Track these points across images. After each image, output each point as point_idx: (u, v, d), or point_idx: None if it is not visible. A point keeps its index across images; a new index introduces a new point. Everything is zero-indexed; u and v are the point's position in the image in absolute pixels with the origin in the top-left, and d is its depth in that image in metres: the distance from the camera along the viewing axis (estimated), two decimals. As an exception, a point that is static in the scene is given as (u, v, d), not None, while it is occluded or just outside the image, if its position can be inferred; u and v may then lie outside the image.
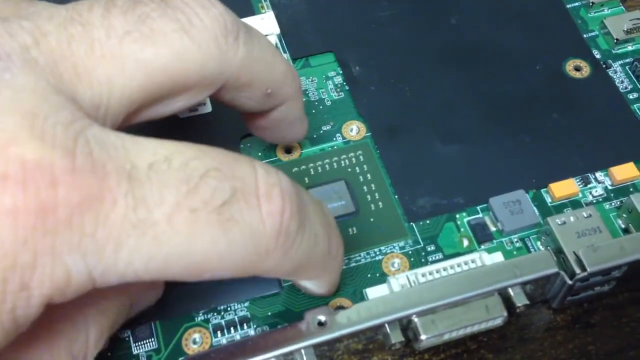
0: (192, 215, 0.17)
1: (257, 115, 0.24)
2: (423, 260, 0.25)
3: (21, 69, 0.17)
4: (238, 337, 0.24)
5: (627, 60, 0.30)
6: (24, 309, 0.16)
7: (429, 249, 0.26)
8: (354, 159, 0.28)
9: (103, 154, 0.16)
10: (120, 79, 0.18)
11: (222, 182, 0.18)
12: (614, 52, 0.31)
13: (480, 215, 0.26)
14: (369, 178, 0.27)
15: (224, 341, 0.24)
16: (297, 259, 0.20)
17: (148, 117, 0.21)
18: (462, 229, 0.26)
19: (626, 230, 0.26)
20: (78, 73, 0.18)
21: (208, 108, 0.29)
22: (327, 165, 0.27)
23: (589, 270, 0.23)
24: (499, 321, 0.23)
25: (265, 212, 0.18)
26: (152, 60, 0.19)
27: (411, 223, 0.26)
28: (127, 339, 0.24)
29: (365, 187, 0.27)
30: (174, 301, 0.24)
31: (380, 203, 0.26)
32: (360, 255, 0.25)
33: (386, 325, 0.23)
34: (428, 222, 0.26)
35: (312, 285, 0.23)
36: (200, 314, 0.24)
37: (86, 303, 0.20)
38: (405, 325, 0.23)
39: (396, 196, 0.27)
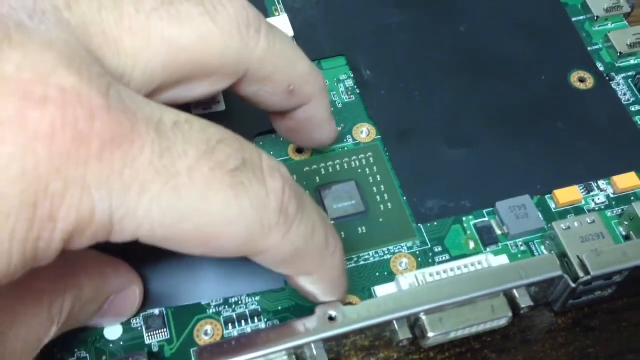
0: (209, 172, 0.18)
1: (283, 116, 0.25)
2: (430, 260, 0.26)
3: (55, 25, 0.17)
4: (249, 330, 0.24)
5: (630, 74, 0.31)
6: (46, 242, 0.16)
7: (436, 249, 0.26)
8: (364, 161, 0.28)
9: (133, 104, 0.17)
10: (145, 53, 0.19)
11: (235, 151, 0.19)
12: (617, 65, 0.31)
13: (487, 218, 0.27)
14: (379, 179, 0.28)
15: (235, 333, 0.24)
16: (296, 244, 0.20)
17: (168, 100, 0.21)
18: (468, 232, 0.27)
19: (627, 238, 0.26)
20: (107, 40, 0.18)
21: (222, 106, 0.29)
22: (337, 166, 0.28)
23: (592, 274, 0.24)
24: (503, 321, 0.24)
25: (270, 188, 0.19)
26: (177, 39, 0.20)
27: (419, 224, 0.27)
28: (139, 328, 0.24)
29: (375, 188, 0.27)
30: (184, 290, 0.25)
31: (389, 204, 0.27)
32: (369, 254, 0.26)
33: (395, 322, 0.23)
34: (435, 223, 0.27)
35: (313, 285, 0.23)
36: (212, 307, 0.25)
37: (66, 271, 0.21)
38: (413, 323, 0.24)
39: (405, 198, 0.27)
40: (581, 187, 0.28)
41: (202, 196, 0.18)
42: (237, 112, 0.29)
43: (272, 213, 0.19)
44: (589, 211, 0.27)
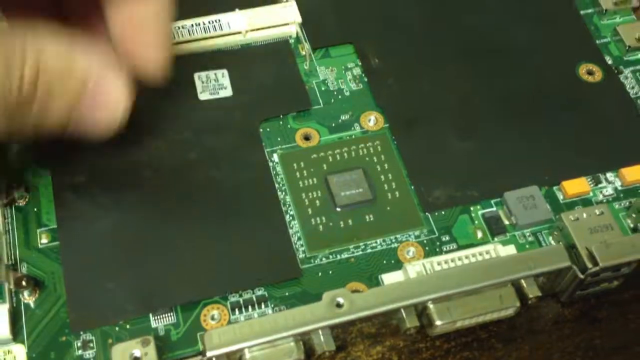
0: None
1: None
2: (437, 249, 0.26)
3: None
4: (256, 316, 0.24)
5: (638, 67, 0.31)
6: None
7: (443, 239, 0.26)
8: (371, 149, 0.28)
9: None
10: None
11: None
12: (625, 58, 0.31)
13: (494, 208, 0.27)
14: (386, 168, 0.28)
15: (241, 319, 0.24)
16: None
17: None
18: (476, 221, 0.26)
19: (635, 230, 0.26)
20: None
21: (229, 92, 0.29)
22: (345, 154, 0.28)
23: (601, 265, 0.24)
24: (511, 311, 0.24)
25: None
26: None
27: (427, 213, 0.27)
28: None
29: (382, 177, 0.27)
30: (190, 286, 0.24)
31: (396, 192, 0.27)
32: (376, 242, 0.26)
33: (402, 310, 0.23)
34: (443, 212, 0.27)
35: None
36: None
37: (25, 30, 0.21)
38: (420, 311, 0.24)
39: (412, 186, 0.27)
40: (589, 179, 0.28)
41: None
42: (243, 97, 0.29)
43: None
44: (597, 203, 0.27)
